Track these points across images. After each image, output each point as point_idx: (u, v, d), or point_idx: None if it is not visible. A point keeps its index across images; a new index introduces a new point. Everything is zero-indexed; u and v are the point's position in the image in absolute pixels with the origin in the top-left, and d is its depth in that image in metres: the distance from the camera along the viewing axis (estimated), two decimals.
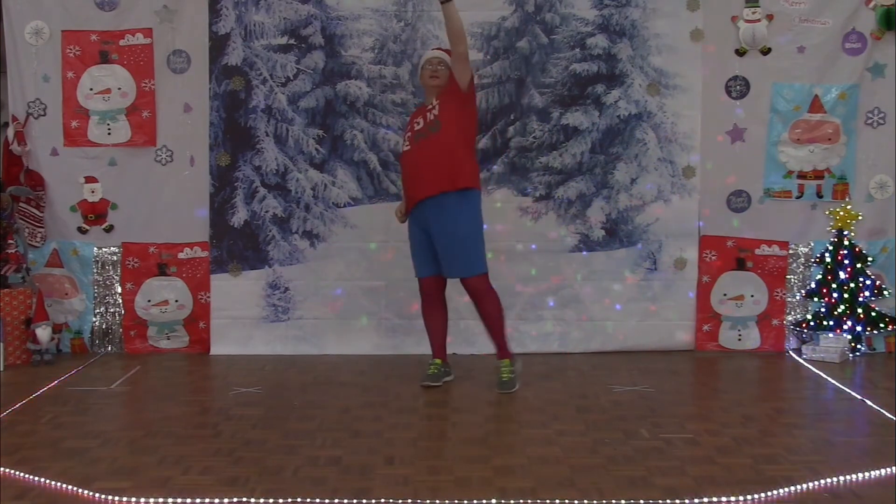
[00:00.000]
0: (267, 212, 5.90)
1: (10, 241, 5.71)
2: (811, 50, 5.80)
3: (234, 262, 5.93)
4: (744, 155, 5.91)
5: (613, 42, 5.81)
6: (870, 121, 5.86)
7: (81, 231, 5.95)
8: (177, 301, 5.97)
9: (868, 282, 5.78)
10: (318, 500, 3.35)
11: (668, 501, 3.33)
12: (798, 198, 5.93)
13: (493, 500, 3.34)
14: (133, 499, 3.37)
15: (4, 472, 3.66)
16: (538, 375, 5.29)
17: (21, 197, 5.82)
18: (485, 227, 5.01)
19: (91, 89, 5.86)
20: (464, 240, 4.88)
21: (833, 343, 5.65)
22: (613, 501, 3.33)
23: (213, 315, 5.94)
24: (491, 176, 5.85)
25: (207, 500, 3.35)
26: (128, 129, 5.89)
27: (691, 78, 5.83)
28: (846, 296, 5.76)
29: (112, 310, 5.99)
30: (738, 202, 5.95)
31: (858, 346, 5.79)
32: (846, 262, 5.76)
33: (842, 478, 3.56)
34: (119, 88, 5.87)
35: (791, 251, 5.95)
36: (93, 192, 5.92)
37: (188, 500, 3.35)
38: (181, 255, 5.97)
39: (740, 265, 5.95)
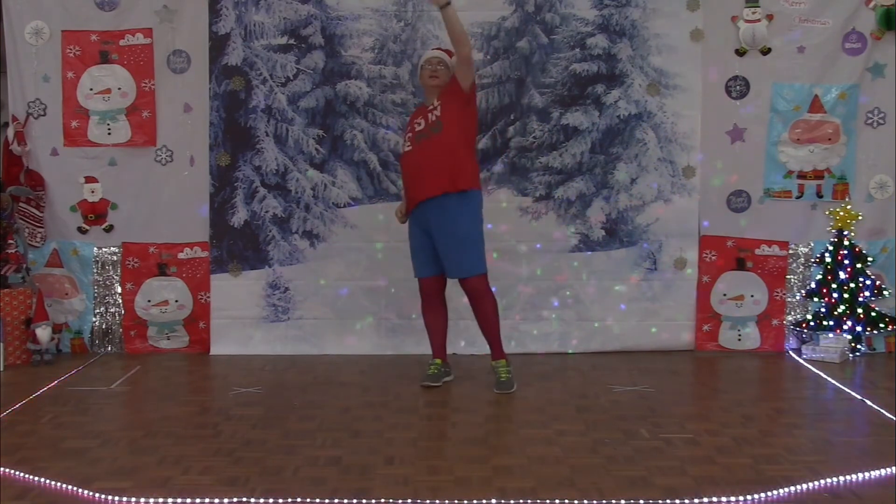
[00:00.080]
0: (267, 212, 5.90)
1: (10, 241, 5.71)
2: (811, 50, 5.80)
3: (234, 262, 5.93)
4: (744, 155, 5.91)
5: (613, 42, 5.81)
6: (870, 121, 5.86)
7: (81, 231, 5.95)
8: (177, 301, 5.97)
9: (868, 282, 5.78)
10: (318, 500, 3.35)
11: (668, 501, 3.33)
12: (798, 198, 5.93)
13: (493, 500, 3.34)
14: (133, 499, 3.37)
15: (4, 472, 3.66)
16: (538, 375, 5.29)
17: (21, 197, 5.82)
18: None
19: (91, 89, 5.87)
20: (463, 240, 4.88)
21: (833, 343, 5.65)
22: (613, 501, 3.33)
23: (213, 315, 5.94)
24: (491, 176, 5.85)
25: (207, 500, 3.35)
26: (128, 129, 5.89)
27: (691, 78, 5.83)
28: (846, 296, 5.76)
29: (112, 310, 5.99)
30: (738, 202, 5.95)
31: (858, 346, 5.79)
32: (846, 262, 5.76)
33: (842, 478, 3.56)
34: (119, 88, 5.87)
35: (791, 251, 5.95)
36: (93, 192, 5.92)
37: (188, 500, 3.35)
38: (181, 255, 5.97)
39: (740, 265, 5.95)
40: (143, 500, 3.37)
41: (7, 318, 5.59)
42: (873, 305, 5.84)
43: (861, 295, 5.78)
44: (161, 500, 3.37)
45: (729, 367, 5.61)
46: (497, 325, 5.01)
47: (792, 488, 3.45)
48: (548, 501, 3.33)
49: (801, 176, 5.92)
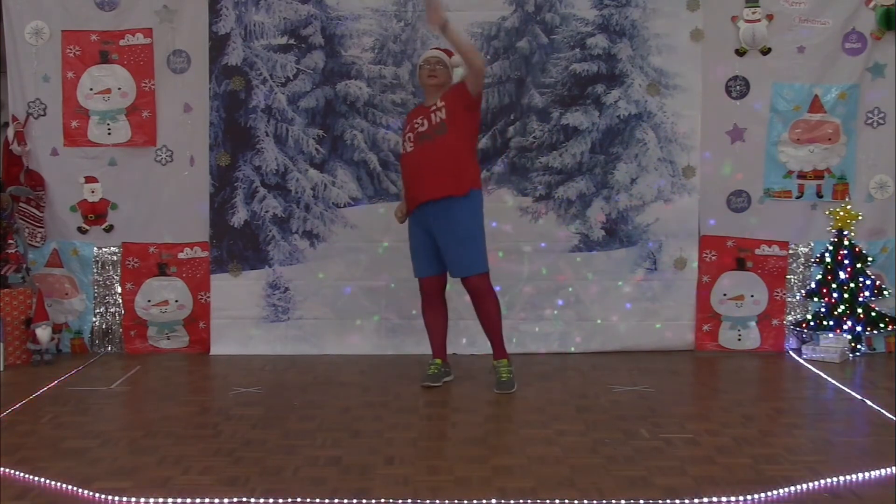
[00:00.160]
0: (267, 212, 5.90)
1: (10, 241, 5.71)
2: (811, 50, 5.80)
3: (234, 262, 5.93)
4: (744, 155, 5.91)
5: (613, 42, 5.81)
6: (870, 121, 5.86)
7: (81, 231, 5.95)
8: (177, 301, 5.97)
9: (868, 282, 5.78)
10: (318, 500, 3.35)
11: (668, 501, 3.33)
12: (798, 198, 5.93)
13: (493, 500, 3.34)
14: (133, 499, 3.37)
15: (4, 472, 3.66)
16: (538, 375, 5.29)
17: (21, 197, 5.82)
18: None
19: (91, 89, 5.87)
20: (465, 240, 4.88)
21: (833, 343, 5.65)
22: (613, 501, 3.33)
23: (213, 315, 5.94)
24: (491, 176, 5.85)
25: (207, 500, 3.35)
26: (128, 129, 5.89)
27: (691, 78, 5.83)
28: (846, 296, 5.76)
29: (112, 310, 6.00)
30: (738, 202, 5.95)
31: (858, 346, 5.79)
32: (846, 262, 5.76)
33: (842, 478, 3.55)
34: (119, 88, 5.87)
35: (791, 251, 5.95)
36: (93, 192, 5.92)
37: (188, 500, 3.35)
38: (181, 255, 5.97)
39: (740, 265, 5.95)
40: (143, 500, 3.36)
41: (7, 318, 5.59)
42: (873, 305, 5.84)
43: (861, 295, 5.78)
44: (161, 500, 3.36)
45: (729, 367, 5.61)
46: (499, 324, 5.01)
47: (792, 488, 3.45)
48: (548, 501, 3.33)
49: (801, 176, 5.92)
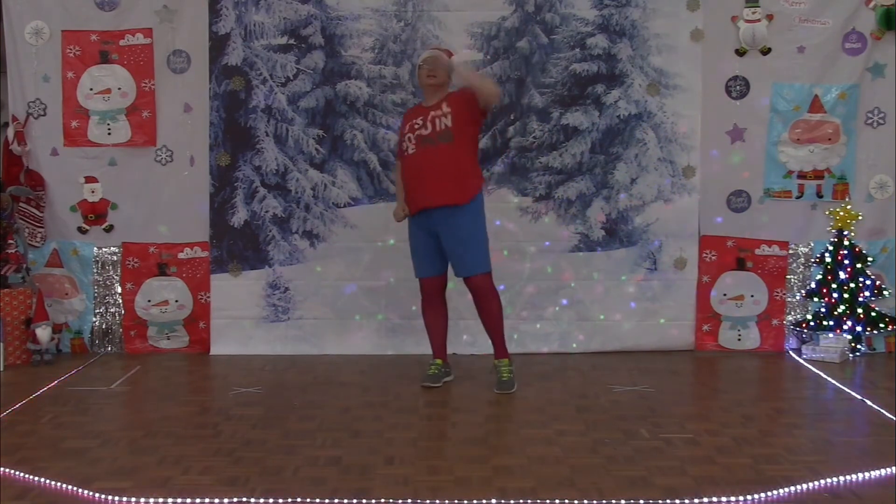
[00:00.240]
0: (267, 212, 5.90)
1: (10, 241, 5.71)
2: (811, 50, 5.80)
3: (234, 262, 5.93)
4: (744, 155, 5.90)
5: (613, 42, 5.81)
6: (870, 121, 5.86)
7: (81, 231, 5.95)
8: (177, 301, 5.97)
9: (868, 282, 5.78)
10: (318, 500, 3.35)
11: (668, 501, 3.33)
12: (798, 198, 5.93)
13: (493, 500, 3.34)
14: (133, 499, 3.37)
15: (4, 472, 3.66)
16: (538, 375, 5.29)
17: (21, 197, 5.82)
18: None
19: (91, 89, 5.87)
20: (467, 240, 4.88)
21: (833, 343, 5.65)
22: (613, 501, 3.33)
23: (213, 315, 5.95)
24: (491, 176, 5.85)
25: (207, 500, 3.35)
26: (128, 129, 5.89)
27: (691, 78, 5.83)
28: (846, 296, 5.76)
29: (112, 310, 5.99)
30: (738, 202, 5.95)
31: (858, 346, 5.79)
32: (846, 262, 5.76)
33: (842, 478, 3.55)
34: (119, 88, 5.88)
35: (791, 251, 5.95)
36: (93, 192, 5.92)
37: (188, 500, 3.35)
38: (181, 255, 5.97)
39: (740, 265, 5.95)
40: (143, 500, 3.36)
41: (7, 318, 5.59)
42: (873, 305, 5.84)
43: (861, 295, 5.78)
44: (161, 500, 3.36)
45: (729, 367, 5.61)
46: (501, 324, 5.01)
47: (792, 488, 3.45)
48: (548, 501, 3.33)
49: (801, 176, 5.92)
